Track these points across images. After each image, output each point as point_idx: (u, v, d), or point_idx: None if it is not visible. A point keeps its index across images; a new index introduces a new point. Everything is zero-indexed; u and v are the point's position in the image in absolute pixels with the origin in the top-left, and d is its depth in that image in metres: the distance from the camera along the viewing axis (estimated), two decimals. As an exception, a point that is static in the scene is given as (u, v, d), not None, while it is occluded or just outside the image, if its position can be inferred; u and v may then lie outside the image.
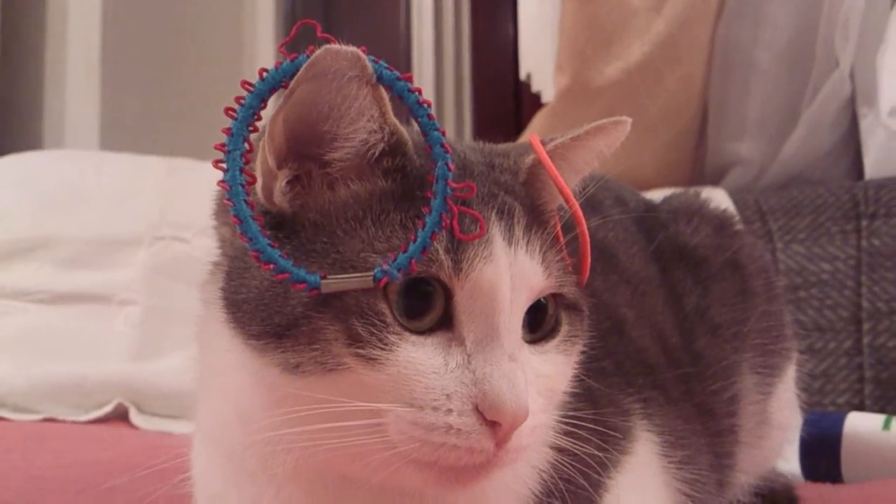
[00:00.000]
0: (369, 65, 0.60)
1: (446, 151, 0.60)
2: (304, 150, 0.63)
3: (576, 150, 0.70)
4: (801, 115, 2.26)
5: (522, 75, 2.76)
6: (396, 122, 0.63)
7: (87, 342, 1.99)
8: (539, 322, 0.66)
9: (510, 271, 0.61)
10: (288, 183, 0.63)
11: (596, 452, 0.71)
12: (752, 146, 2.32)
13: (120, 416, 1.86)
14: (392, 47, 3.44)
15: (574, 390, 0.72)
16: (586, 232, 0.68)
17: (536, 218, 0.67)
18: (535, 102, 2.65)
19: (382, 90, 0.61)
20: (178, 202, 2.18)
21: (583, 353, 0.70)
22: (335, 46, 0.59)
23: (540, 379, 0.63)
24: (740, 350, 0.98)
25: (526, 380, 0.60)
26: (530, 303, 0.63)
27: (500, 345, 0.60)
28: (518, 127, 2.80)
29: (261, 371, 0.62)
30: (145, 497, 1.09)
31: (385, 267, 0.58)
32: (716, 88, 2.37)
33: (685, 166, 2.42)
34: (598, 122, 0.70)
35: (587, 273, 0.70)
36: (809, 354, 1.85)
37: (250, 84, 0.61)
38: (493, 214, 0.62)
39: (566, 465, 0.69)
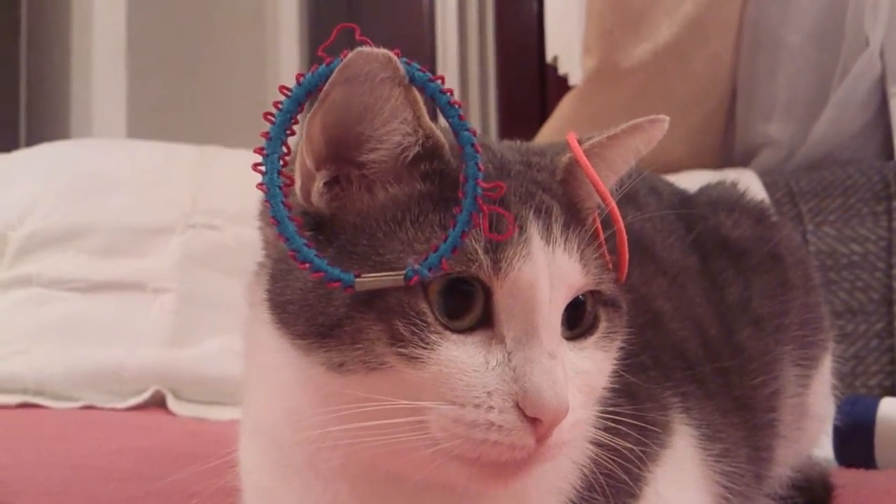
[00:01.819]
0: (401, 66, 0.60)
1: (476, 151, 0.61)
2: (341, 153, 0.64)
3: (612, 149, 0.71)
4: (830, 95, 2.24)
5: (549, 57, 2.74)
6: (432, 125, 0.64)
7: (124, 330, 2.02)
8: (578, 319, 0.66)
9: (549, 270, 0.62)
10: (326, 185, 0.64)
11: (635, 447, 0.72)
12: (781, 127, 2.30)
13: (157, 402, 1.89)
14: (416, 29, 3.44)
15: (613, 386, 0.73)
16: (623, 230, 0.69)
17: (574, 216, 0.67)
18: (562, 85, 2.64)
19: (416, 92, 0.62)
20: (209, 190, 2.19)
21: (621, 348, 0.71)
22: (367, 49, 0.59)
23: (579, 375, 0.64)
24: (782, 343, 0.98)
25: (566, 376, 0.61)
26: (569, 300, 0.64)
27: (539, 342, 0.61)
28: (543, 109, 2.78)
29: (306, 370, 0.64)
30: (189, 487, 1.12)
31: (416, 266, 0.59)
32: (745, 69, 2.35)
33: (714, 148, 2.40)
34: (635, 120, 0.70)
35: (626, 270, 0.71)
36: (841, 337, 1.84)
37: (288, 89, 0.62)
38: (531, 213, 0.63)
39: (606, 459, 0.70)
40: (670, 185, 1.13)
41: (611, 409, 0.71)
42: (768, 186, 2.11)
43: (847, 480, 1.15)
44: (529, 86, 2.98)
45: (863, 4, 2.19)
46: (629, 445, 0.71)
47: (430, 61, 3.33)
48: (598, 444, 0.70)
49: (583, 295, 0.66)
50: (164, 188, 2.24)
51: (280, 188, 0.61)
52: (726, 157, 2.41)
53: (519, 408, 0.59)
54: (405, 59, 0.61)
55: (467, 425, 0.59)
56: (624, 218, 0.96)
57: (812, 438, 1.08)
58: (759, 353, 0.95)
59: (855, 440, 1.32)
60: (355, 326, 0.60)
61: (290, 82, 0.64)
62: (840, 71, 2.23)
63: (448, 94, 0.62)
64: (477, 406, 0.59)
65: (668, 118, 0.71)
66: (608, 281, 0.68)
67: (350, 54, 0.60)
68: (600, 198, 0.68)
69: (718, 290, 0.99)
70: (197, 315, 2.00)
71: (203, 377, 1.86)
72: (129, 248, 2.14)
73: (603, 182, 0.69)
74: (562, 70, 2.68)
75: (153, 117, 3.10)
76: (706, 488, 0.81)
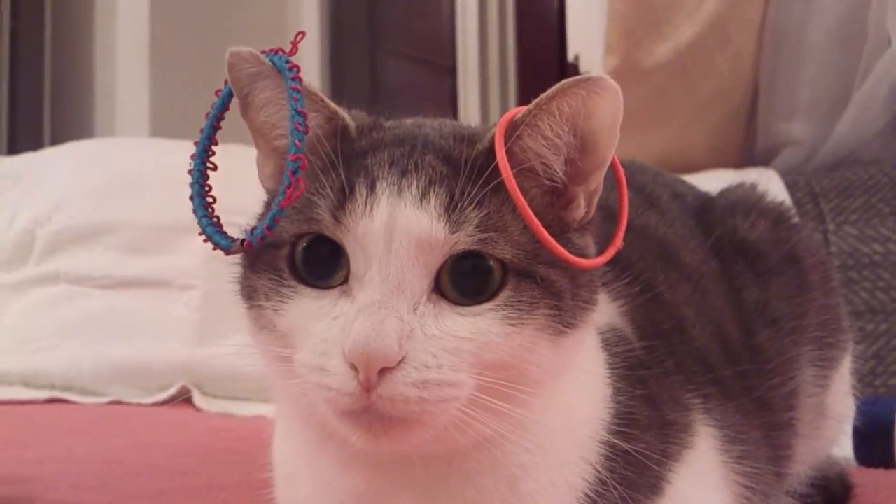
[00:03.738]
0: (266, 59, 0.67)
1: (298, 131, 0.64)
2: (270, 141, 0.72)
3: (541, 117, 0.68)
4: (852, 94, 2.24)
5: (570, 56, 2.75)
6: (334, 108, 0.71)
7: (150, 326, 2.05)
8: (472, 284, 0.65)
9: (389, 223, 0.63)
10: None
11: (655, 446, 0.73)
12: (803, 126, 2.31)
13: (183, 398, 1.92)
14: (436, 29, 3.45)
15: (636, 392, 0.75)
16: (626, 198, 0.67)
17: (476, 179, 0.66)
18: (583, 84, 2.63)
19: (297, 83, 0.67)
20: (234, 188, 2.18)
21: (648, 354, 0.71)
22: (236, 49, 0.68)
23: (457, 339, 0.63)
24: (799, 344, 0.98)
25: (402, 329, 0.61)
26: (434, 258, 0.64)
27: (371, 292, 0.63)
28: (564, 108, 2.78)
29: (251, 331, 0.71)
30: (217, 481, 1.14)
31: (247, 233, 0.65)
32: (766, 68, 2.35)
33: (736, 147, 2.41)
34: (564, 81, 0.67)
35: (616, 244, 0.70)
36: (861, 337, 1.84)
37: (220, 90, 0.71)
38: (392, 174, 0.66)
39: (622, 457, 0.71)
40: (692, 189, 1.14)
41: (625, 410, 0.73)
42: (790, 186, 2.12)
43: (866, 480, 1.15)
44: (550, 85, 2.97)
45: (885, 4, 2.19)
46: (650, 441, 0.73)
47: (450, 60, 3.34)
48: (616, 443, 0.72)
49: (494, 262, 0.65)
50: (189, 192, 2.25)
51: (201, 171, 0.70)
52: (748, 156, 2.41)
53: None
54: (282, 56, 0.67)
55: (308, 369, 0.63)
56: (648, 222, 0.97)
57: (831, 437, 1.09)
58: (777, 353, 0.96)
59: (874, 440, 1.32)
60: (252, 285, 0.69)
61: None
62: (862, 71, 2.23)
63: (296, 79, 0.66)
64: (314, 352, 0.63)
65: (606, 77, 0.67)
66: (512, 246, 0.65)
67: (227, 57, 0.68)
68: (502, 174, 0.65)
69: (736, 293, 0.99)
70: (222, 311, 2.02)
71: (228, 373, 1.88)
72: (155, 245, 2.17)
73: (542, 152, 0.69)
74: (583, 69, 2.68)
75: (176, 116, 3.12)
76: (727, 488, 0.81)
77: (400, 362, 0.61)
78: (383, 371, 0.61)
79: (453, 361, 0.63)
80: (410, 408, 0.61)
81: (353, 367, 0.61)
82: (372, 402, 0.61)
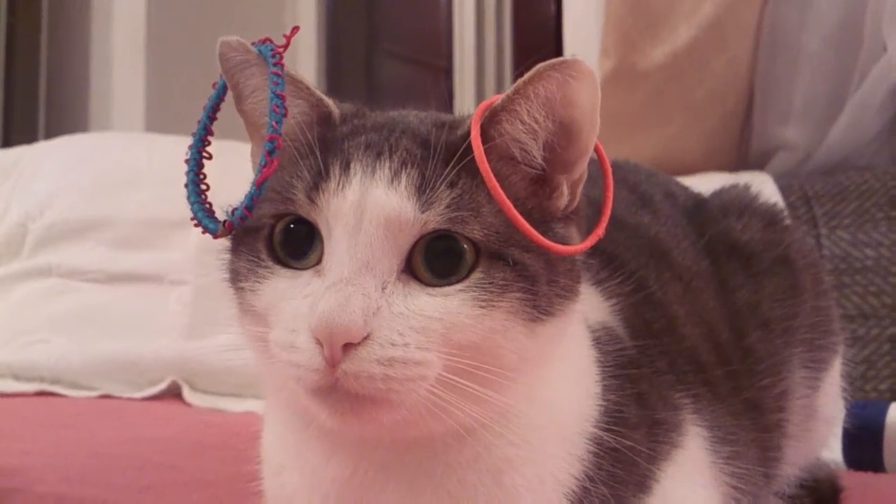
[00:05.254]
0: (253, 48, 0.69)
1: (276, 112, 0.66)
2: (259, 129, 0.72)
3: (518, 102, 0.68)
4: (847, 99, 2.24)
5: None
6: (318, 96, 0.73)
7: (141, 321, 2.05)
8: (450, 266, 0.65)
9: (360, 203, 0.64)
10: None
11: (644, 444, 0.73)
12: (797, 130, 2.30)
13: (173, 393, 1.92)
14: (433, 30, 3.45)
15: (626, 390, 0.75)
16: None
17: (450, 160, 0.66)
18: (579, 86, 2.64)
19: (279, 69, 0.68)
20: (226, 184, 2.19)
21: (639, 353, 0.71)
22: (225, 38, 0.69)
23: (424, 318, 0.63)
24: (790, 345, 0.98)
25: (368, 305, 0.62)
26: (405, 237, 0.64)
27: (339, 270, 0.63)
28: (560, 109, 2.78)
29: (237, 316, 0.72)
30: (205, 475, 1.14)
31: (228, 214, 0.68)
32: (762, 72, 2.35)
33: (731, 150, 2.41)
34: (540, 65, 0.67)
35: (599, 231, 0.70)
36: (852, 341, 1.84)
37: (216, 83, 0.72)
38: (366, 156, 0.67)
39: (614, 454, 0.71)
40: (685, 189, 1.14)
41: (615, 408, 0.73)
42: (783, 189, 2.12)
43: (855, 483, 1.16)
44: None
45: (881, 10, 2.19)
46: (639, 439, 0.73)
47: (446, 61, 3.34)
48: (604, 439, 0.72)
49: (466, 244, 0.65)
50: (183, 182, 2.25)
51: (196, 160, 0.71)
52: (742, 159, 2.41)
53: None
54: (270, 44, 0.69)
55: (279, 347, 0.64)
56: (641, 221, 0.97)
57: (821, 439, 1.09)
58: (768, 354, 0.96)
59: (864, 443, 1.32)
60: (235, 268, 0.70)
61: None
62: (857, 76, 2.23)
63: (278, 66, 0.68)
64: (285, 329, 0.64)
65: (579, 59, 0.67)
66: (483, 228, 0.65)
67: (217, 46, 0.70)
68: (474, 153, 0.66)
69: (729, 294, 0.99)
70: (213, 307, 2.01)
71: (218, 369, 1.87)
72: (147, 240, 2.16)
73: (520, 137, 0.69)
74: (579, 71, 2.68)
75: (171, 111, 3.12)
76: (716, 488, 0.82)
77: (366, 339, 0.61)
78: (348, 347, 0.61)
79: (420, 340, 0.63)
80: (376, 385, 0.62)
81: (320, 343, 0.61)
82: (338, 378, 0.61)
